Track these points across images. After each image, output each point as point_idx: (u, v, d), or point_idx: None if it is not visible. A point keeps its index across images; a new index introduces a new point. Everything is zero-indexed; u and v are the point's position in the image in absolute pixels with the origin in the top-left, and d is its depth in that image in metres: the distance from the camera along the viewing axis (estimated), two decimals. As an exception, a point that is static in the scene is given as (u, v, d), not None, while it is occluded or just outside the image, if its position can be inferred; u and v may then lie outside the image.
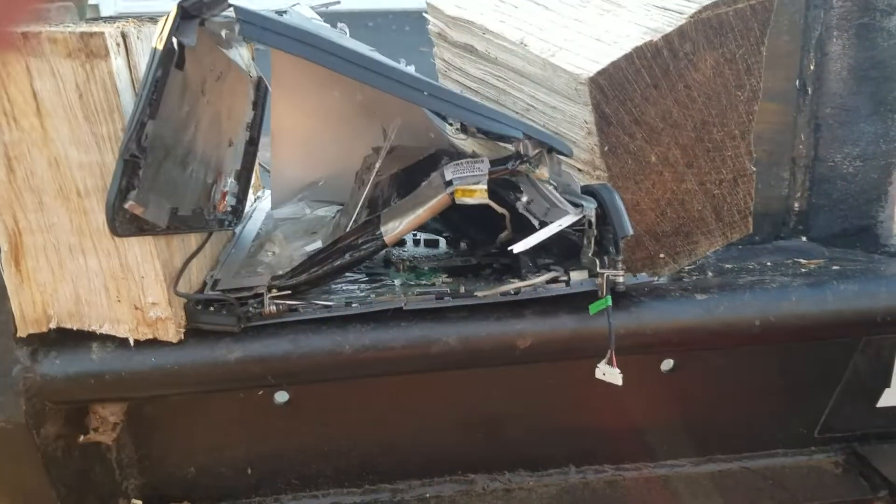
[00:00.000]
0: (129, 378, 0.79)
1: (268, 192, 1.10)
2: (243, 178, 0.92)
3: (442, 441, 1.01)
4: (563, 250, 0.83)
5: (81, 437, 0.86)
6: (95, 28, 0.68)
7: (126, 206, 0.67)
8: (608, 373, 0.78)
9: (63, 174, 0.72)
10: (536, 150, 0.75)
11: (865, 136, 1.05)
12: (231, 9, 0.70)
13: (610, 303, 0.78)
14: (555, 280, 0.82)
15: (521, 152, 0.75)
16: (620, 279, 0.79)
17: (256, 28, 0.68)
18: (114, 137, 0.70)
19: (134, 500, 0.96)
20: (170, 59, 0.68)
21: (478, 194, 0.76)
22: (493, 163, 0.77)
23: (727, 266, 0.97)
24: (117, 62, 0.69)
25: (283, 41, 0.69)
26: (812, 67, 1.07)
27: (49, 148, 0.71)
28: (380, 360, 0.82)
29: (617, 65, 0.81)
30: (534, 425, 1.00)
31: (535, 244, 0.75)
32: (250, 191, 1.05)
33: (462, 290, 0.84)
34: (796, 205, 1.11)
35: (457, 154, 0.85)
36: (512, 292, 0.82)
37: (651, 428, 1.02)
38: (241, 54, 0.92)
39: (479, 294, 0.82)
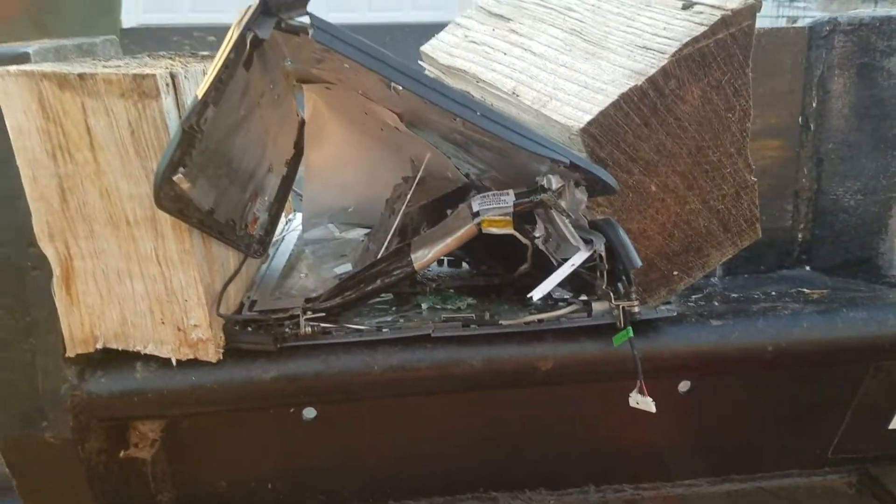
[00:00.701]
0: (171, 396, 0.84)
1: (298, 216, 1.15)
2: (273, 211, 0.95)
3: (465, 459, 1.05)
4: (574, 282, 0.87)
5: (122, 453, 0.92)
6: (147, 70, 0.74)
7: (175, 177, 0.71)
8: (641, 401, 0.82)
9: (114, 204, 0.77)
10: (560, 184, 0.80)
11: (866, 171, 1.09)
12: (307, 16, 0.75)
13: (632, 334, 0.82)
14: (577, 311, 0.86)
15: (546, 186, 0.80)
16: (636, 309, 0.83)
17: (327, 35, 0.73)
18: (163, 171, 0.75)
19: (168, 513, 1.02)
20: (242, 48, 0.72)
21: (503, 225, 0.81)
22: (518, 195, 0.81)
23: (733, 295, 1.01)
24: (167, 101, 0.74)
25: (350, 50, 0.74)
26: (814, 105, 1.11)
27: (101, 180, 0.77)
28: (407, 381, 0.87)
29: (606, 113, 0.85)
30: (554, 444, 1.05)
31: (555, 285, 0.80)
32: (282, 215, 1.11)
33: (487, 316, 0.89)
34: (800, 236, 1.16)
35: (483, 188, 0.89)
36: (536, 321, 0.87)
37: (668, 448, 1.06)
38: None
39: (504, 323, 0.87)
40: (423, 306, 0.95)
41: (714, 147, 0.92)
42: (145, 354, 0.84)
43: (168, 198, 0.72)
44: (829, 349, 0.93)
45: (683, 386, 0.99)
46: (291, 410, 0.95)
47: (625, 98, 0.85)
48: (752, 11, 0.88)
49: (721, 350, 0.91)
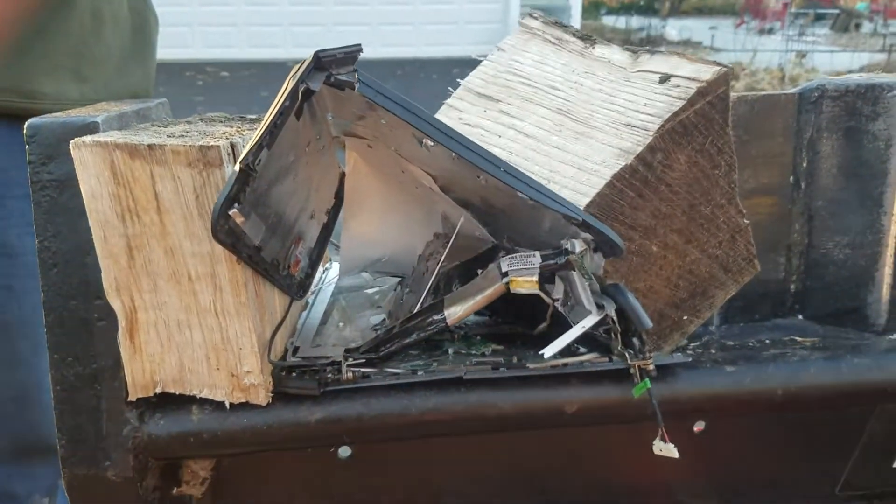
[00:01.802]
0: (223, 437, 0.92)
1: (334, 265, 1.24)
2: (314, 256, 1.02)
3: (490, 495, 1.12)
4: (590, 343, 0.96)
5: (175, 490, 0.99)
6: (212, 141, 0.82)
7: (231, 212, 0.79)
8: (664, 448, 0.89)
9: (177, 261, 0.86)
10: (583, 247, 0.87)
11: (854, 227, 1.18)
12: (355, 73, 0.83)
13: (650, 385, 0.90)
14: (598, 357, 0.94)
15: (569, 249, 0.87)
16: (651, 367, 0.92)
17: (371, 90, 0.82)
18: (237, 232, 0.84)
19: (210, 546, 1.09)
20: (295, 98, 0.81)
21: (529, 285, 0.89)
22: (543, 257, 0.89)
23: (729, 343, 1.08)
24: (228, 168, 0.82)
25: (389, 103, 0.83)
26: (805, 165, 1.19)
27: (166, 240, 0.85)
28: (442, 422, 0.94)
29: (602, 193, 0.93)
30: (576, 481, 1.12)
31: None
32: (320, 265, 1.19)
33: (514, 359, 0.97)
34: (792, 287, 1.23)
35: (510, 249, 0.97)
36: (561, 365, 0.94)
37: (684, 485, 1.13)
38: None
39: (531, 366, 0.94)
40: (450, 351, 1.02)
41: (706, 202, 1.01)
42: (200, 398, 0.92)
43: (223, 230, 0.80)
44: (835, 393, 1.00)
45: (698, 426, 1.07)
46: (332, 450, 1.02)
47: (617, 177, 0.93)
48: (725, 78, 0.96)
49: (734, 394, 0.98)
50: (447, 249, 1.02)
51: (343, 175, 1.07)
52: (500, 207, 0.95)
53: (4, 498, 1.56)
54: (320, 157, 0.99)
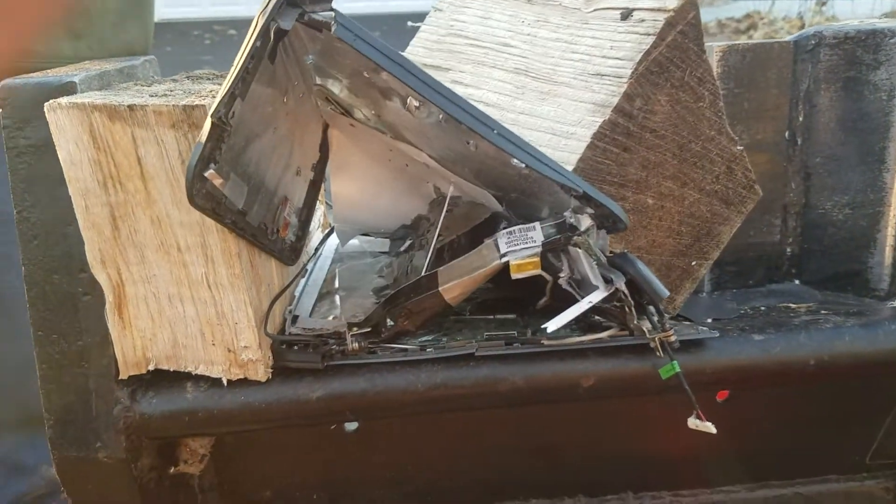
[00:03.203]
0: (220, 415, 0.88)
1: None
2: (303, 217, 0.96)
3: (503, 467, 1.08)
4: (604, 316, 0.90)
5: (172, 469, 0.96)
6: (196, 100, 0.77)
7: (206, 173, 0.71)
8: (700, 425, 0.84)
9: (164, 231, 0.81)
10: (589, 224, 0.80)
11: (854, 185, 1.11)
12: (332, 12, 0.74)
13: (678, 368, 0.84)
14: (619, 333, 0.88)
15: (574, 224, 0.80)
16: (673, 338, 0.86)
17: (351, 34, 0.73)
18: (212, 199, 0.78)
19: (213, 523, 1.06)
20: (267, 38, 0.72)
21: (531, 267, 0.81)
22: (545, 232, 0.81)
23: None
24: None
25: (370, 50, 0.74)
26: (801, 119, 1.13)
27: (152, 208, 0.80)
28: (450, 398, 0.89)
29: (584, 158, 0.86)
30: (593, 453, 1.08)
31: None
32: (318, 229, 1.14)
33: (529, 333, 0.92)
34: (788, 250, 1.18)
35: (512, 218, 0.90)
36: (578, 342, 0.89)
37: (707, 456, 1.10)
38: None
39: (545, 342, 0.90)
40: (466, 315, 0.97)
41: (695, 139, 0.94)
42: (196, 375, 0.88)
43: (201, 195, 0.73)
44: (871, 362, 0.95)
45: (723, 393, 1.03)
46: (333, 427, 0.99)
47: (597, 136, 0.86)
48: (693, 2, 0.87)
49: (763, 364, 0.93)
50: (441, 219, 0.95)
51: (327, 126, 0.98)
52: (494, 181, 0.88)
53: (13, 468, 1.54)
54: (301, 107, 0.90)
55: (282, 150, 0.88)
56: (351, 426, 1.02)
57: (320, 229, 1.15)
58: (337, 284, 1.04)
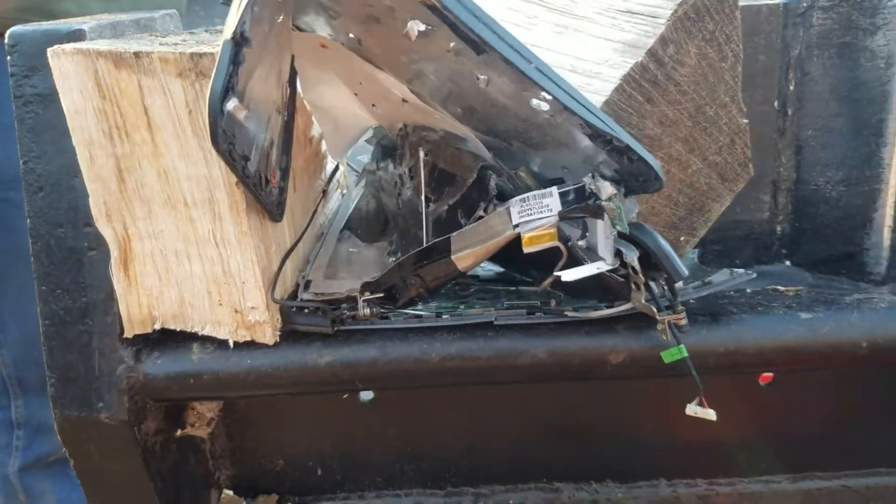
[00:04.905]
0: (226, 379, 0.87)
1: (354, 191, 1.16)
2: (283, 165, 0.87)
3: (527, 447, 1.06)
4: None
5: (179, 432, 0.96)
6: (205, 48, 0.75)
7: (230, 105, 0.66)
8: (700, 412, 0.81)
9: (171, 185, 0.80)
10: (612, 191, 0.75)
11: (848, 160, 1.05)
12: None
13: (685, 353, 0.81)
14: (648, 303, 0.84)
15: (594, 191, 0.76)
16: (683, 321, 0.82)
17: None
18: (221, 152, 0.76)
19: (225, 491, 1.06)
20: None
21: (547, 239, 0.76)
22: (563, 200, 0.76)
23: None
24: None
25: None
26: (792, 88, 1.07)
27: (159, 161, 0.79)
28: (466, 371, 0.87)
29: (609, 101, 0.82)
30: (623, 436, 1.05)
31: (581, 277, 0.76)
32: (337, 190, 1.13)
33: (553, 302, 0.89)
34: (779, 229, 1.13)
35: (502, 170, 0.86)
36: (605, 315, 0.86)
37: (746, 443, 1.06)
38: None
39: (570, 314, 0.87)
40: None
41: (711, 102, 0.90)
42: (202, 336, 0.87)
43: (224, 137, 0.67)
44: None
45: (766, 377, 0.99)
46: (345, 396, 0.98)
47: (626, 79, 0.82)
48: None
49: (810, 345, 0.89)
50: (422, 180, 0.91)
51: (293, 58, 0.90)
52: (492, 125, 0.83)
53: (37, 428, 1.58)
54: (284, 31, 0.82)
55: (270, 82, 0.80)
56: (367, 396, 1.01)
57: (339, 191, 1.13)
58: (348, 245, 1.02)
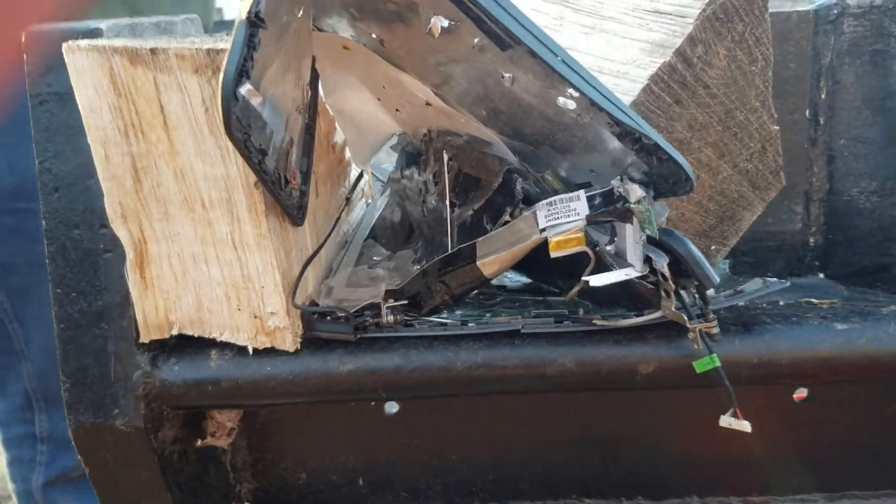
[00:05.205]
0: (245, 386, 0.85)
1: (379, 199, 1.14)
2: (304, 168, 0.86)
3: (555, 462, 1.03)
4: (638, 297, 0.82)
5: (199, 442, 0.94)
6: (222, 45, 0.74)
7: (244, 89, 0.64)
8: (734, 423, 0.78)
9: (188, 186, 0.78)
10: (641, 194, 0.73)
11: (883, 170, 1.03)
12: None
13: (718, 363, 0.78)
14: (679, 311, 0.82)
15: (622, 194, 0.73)
16: (715, 330, 0.80)
17: None
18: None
19: (245, 504, 1.04)
20: None
21: (574, 244, 0.74)
22: (590, 203, 0.74)
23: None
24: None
25: None
26: (823, 97, 1.06)
27: (175, 160, 0.77)
28: (492, 379, 0.85)
29: (637, 102, 0.80)
30: (654, 451, 1.02)
31: (610, 284, 0.74)
32: (362, 200, 1.11)
33: (581, 311, 0.87)
34: (812, 240, 1.11)
35: (528, 174, 0.84)
36: (635, 323, 0.83)
37: (781, 459, 1.02)
38: None
39: (598, 322, 0.84)
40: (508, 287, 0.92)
41: (741, 106, 0.88)
42: (221, 342, 0.85)
43: (237, 123, 0.65)
44: None
45: (800, 394, 0.95)
46: (372, 404, 0.95)
47: (654, 80, 0.80)
48: None
49: (846, 357, 0.86)
50: (447, 186, 0.89)
51: (314, 59, 0.88)
52: (518, 128, 0.81)
53: (60, 443, 1.56)
54: (305, 27, 0.80)
55: (290, 77, 0.78)
56: (392, 408, 0.98)
57: (364, 200, 1.11)
58: (370, 251, 1.00)
